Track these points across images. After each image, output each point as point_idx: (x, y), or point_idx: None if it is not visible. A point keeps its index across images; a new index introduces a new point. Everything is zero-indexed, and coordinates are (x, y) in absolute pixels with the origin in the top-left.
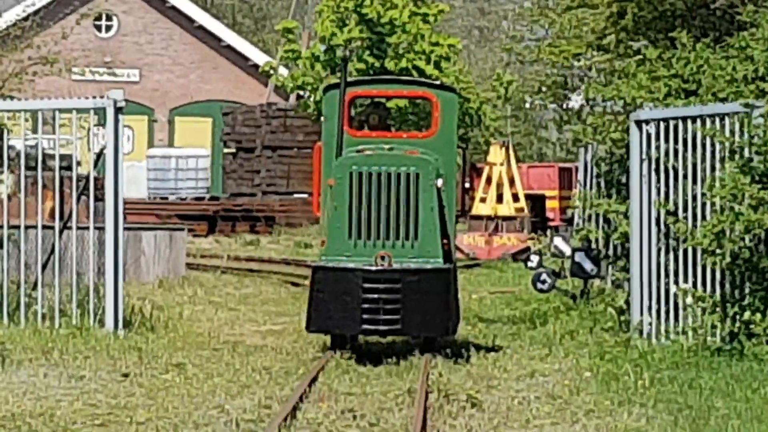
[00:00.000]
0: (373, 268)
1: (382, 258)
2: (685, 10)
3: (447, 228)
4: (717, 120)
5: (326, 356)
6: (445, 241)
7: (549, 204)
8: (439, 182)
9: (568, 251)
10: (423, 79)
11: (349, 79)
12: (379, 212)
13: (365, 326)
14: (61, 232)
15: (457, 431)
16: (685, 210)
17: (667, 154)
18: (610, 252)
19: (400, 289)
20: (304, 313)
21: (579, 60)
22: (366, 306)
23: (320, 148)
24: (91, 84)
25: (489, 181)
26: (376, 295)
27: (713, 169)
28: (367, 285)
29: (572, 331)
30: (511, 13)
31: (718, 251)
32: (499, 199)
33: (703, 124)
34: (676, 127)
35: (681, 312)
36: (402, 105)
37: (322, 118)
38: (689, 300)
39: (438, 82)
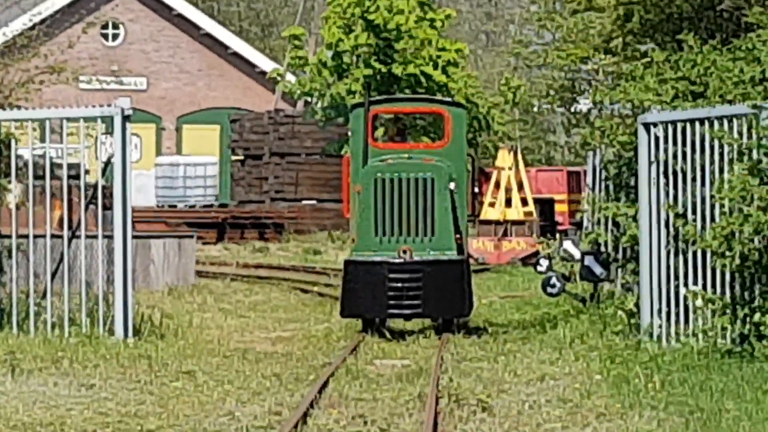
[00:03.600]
0: (397, 260)
1: (404, 252)
2: (692, 13)
3: (459, 225)
4: (725, 122)
5: (336, 362)
6: (458, 236)
7: (558, 208)
8: (452, 185)
9: (577, 255)
10: (436, 97)
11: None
12: (401, 212)
13: (391, 310)
14: (69, 241)
15: None
16: (694, 212)
17: (675, 156)
18: (620, 255)
19: (421, 278)
20: (316, 318)
21: (586, 63)
22: (391, 293)
23: (348, 159)
24: (98, 93)
25: (498, 185)
26: (400, 284)
27: (722, 171)
28: (392, 275)
29: (582, 335)
30: (518, 18)
31: (727, 253)
32: (508, 203)
33: (711, 126)
34: (684, 129)
35: (691, 314)
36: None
37: (349, 133)
38: (699, 302)
39: (449, 99)
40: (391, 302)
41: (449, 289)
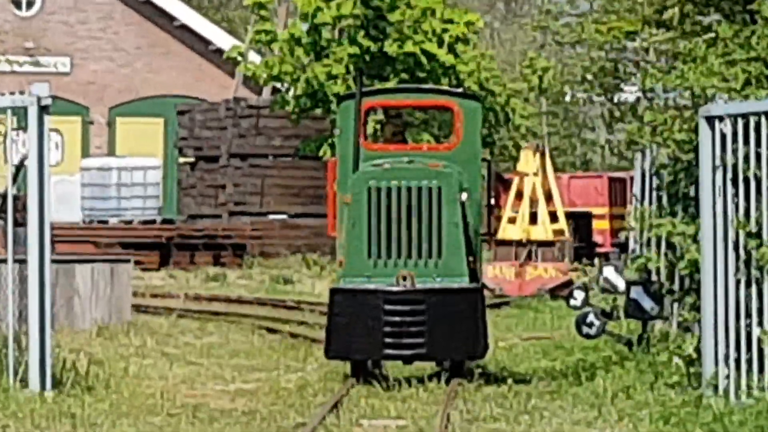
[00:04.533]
0: (395, 288)
1: (404, 278)
2: None
3: (472, 245)
4: None
5: (313, 422)
6: (470, 258)
7: (597, 225)
8: (463, 196)
9: (621, 285)
10: (443, 88)
11: (364, 88)
12: (400, 229)
13: (388, 351)
14: None
15: None
16: None
17: (747, 159)
18: (676, 286)
19: (425, 311)
20: (287, 366)
21: (633, 40)
22: (388, 329)
23: (334, 163)
24: (8, 76)
25: (520, 196)
26: (398, 318)
27: None
28: (389, 307)
29: (628, 388)
30: None
31: None
32: (533, 219)
33: None
34: (758, 124)
35: (767, 362)
36: None
37: (335, 131)
38: None
39: (459, 90)
40: (388, 340)
41: (459, 325)
